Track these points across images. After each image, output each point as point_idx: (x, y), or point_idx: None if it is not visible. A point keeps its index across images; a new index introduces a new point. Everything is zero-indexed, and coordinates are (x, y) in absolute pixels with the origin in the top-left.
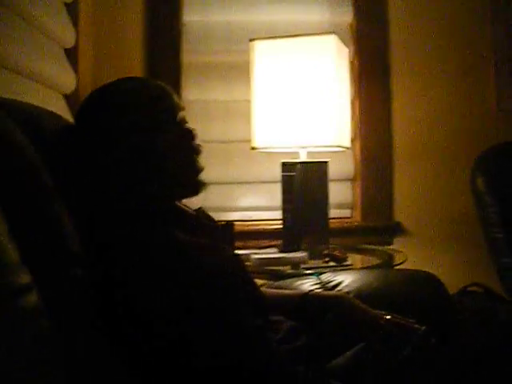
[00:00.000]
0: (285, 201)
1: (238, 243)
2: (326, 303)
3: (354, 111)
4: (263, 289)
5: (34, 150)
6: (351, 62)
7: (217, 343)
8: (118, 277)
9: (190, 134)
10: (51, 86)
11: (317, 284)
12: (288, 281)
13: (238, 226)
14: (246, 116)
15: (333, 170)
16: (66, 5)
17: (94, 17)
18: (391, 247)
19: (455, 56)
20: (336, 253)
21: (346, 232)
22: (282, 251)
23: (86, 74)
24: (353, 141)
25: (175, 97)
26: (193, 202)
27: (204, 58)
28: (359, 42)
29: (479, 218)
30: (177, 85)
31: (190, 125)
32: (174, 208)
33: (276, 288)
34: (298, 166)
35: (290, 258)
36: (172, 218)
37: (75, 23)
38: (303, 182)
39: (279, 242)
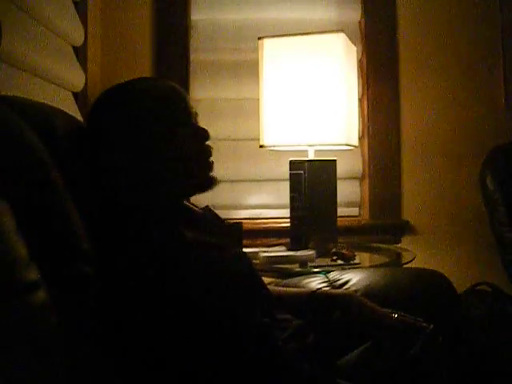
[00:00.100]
0: (293, 199)
1: (246, 241)
2: (334, 301)
3: (362, 109)
4: (271, 287)
5: (44, 148)
6: (359, 61)
7: (223, 341)
8: (125, 274)
9: (203, 135)
10: (60, 83)
11: (324, 282)
12: (296, 279)
13: (246, 224)
14: (254, 114)
15: (341, 169)
16: (75, 3)
17: (103, 15)
18: (399, 246)
19: (464, 54)
20: (344, 251)
21: (353, 230)
22: (289, 249)
23: (95, 72)
24: (361, 139)
25: (188, 98)
26: (201, 200)
27: (212, 56)
28: (367, 40)
29: (488, 217)
30: (185, 83)
31: (200, 124)
32: (181, 207)
33: (284, 286)
34: (306, 164)
35: (297, 256)
36: (180, 217)
37: (84, 21)
38: (311, 181)
39: (287, 240)
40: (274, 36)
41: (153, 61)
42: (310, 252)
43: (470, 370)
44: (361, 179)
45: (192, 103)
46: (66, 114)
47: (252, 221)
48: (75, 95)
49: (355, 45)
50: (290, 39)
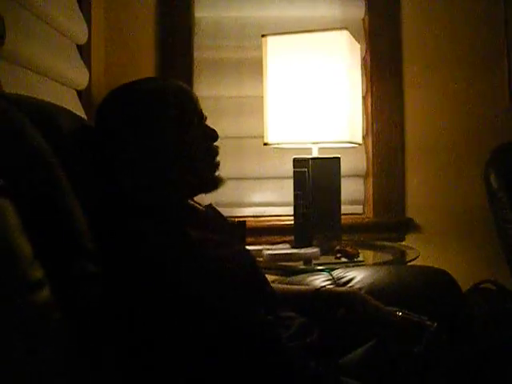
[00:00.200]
0: (297, 197)
1: (249, 239)
2: (338, 299)
3: (365, 107)
4: (275, 285)
5: (48, 146)
6: (363, 58)
7: (227, 338)
8: (130, 272)
9: (211, 135)
10: (64, 82)
11: (328, 280)
12: (300, 277)
13: (250, 222)
14: (258, 112)
15: (345, 166)
16: (79, 1)
17: (107, 13)
18: (403, 243)
19: (468, 52)
20: (348, 249)
21: (357, 228)
22: (293, 247)
23: (99, 70)
24: (365, 137)
25: (197, 98)
26: (205, 198)
27: (216, 53)
28: (371, 38)
29: (492, 215)
30: (189, 81)
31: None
32: (185, 205)
33: (288, 284)
34: (310, 161)
35: (301, 253)
36: (184, 216)
37: (88, 20)
38: (315, 178)
39: (291, 237)
40: (277, 34)
41: (156, 58)
42: (314, 250)
43: (474, 368)
44: (365, 177)
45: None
46: (69, 112)
47: (256, 218)
48: (79, 93)
49: (359, 42)
50: (294, 37)
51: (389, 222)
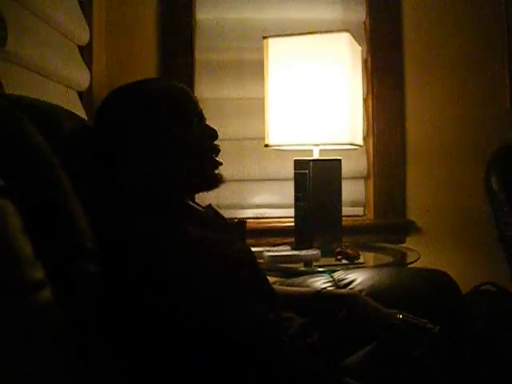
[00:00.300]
0: (297, 198)
1: (250, 240)
2: (339, 301)
3: (367, 109)
4: (275, 286)
5: (49, 147)
6: (364, 60)
7: (228, 336)
8: (132, 271)
9: (211, 134)
10: (65, 83)
11: (329, 282)
12: (300, 278)
13: (251, 224)
14: (259, 113)
15: (345, 168)
16: (80, 3)
17: (108, 14)
18: (404, 245)
19: (469, 54)
20: (348, 251)
21: (358, 230)
22: (294, 249)
23: (100, 71)
24: (366, 139)
25: (195, 98)
26: (206, 200)
27: (217, 55)
28: (372, 40)
29: (493, 217)
30: (190, 82)
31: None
32: (185, 204)
33: (288, 286)
34: (311, 163)
35: (302, 255)
36: (184, 214)
37: (89, 21)
38: (316, 180)
39: (292, 239)
40: (278, 36)
41: (157, 60)
42: (315, 251)
43: (474, 370)
44: (365, 179)
45: (199, 103)
46: (71, 113)
47: (256, 220)
48: (80, 94)
49: (360, 44)
50: (295, 39)
51: (389, 223)
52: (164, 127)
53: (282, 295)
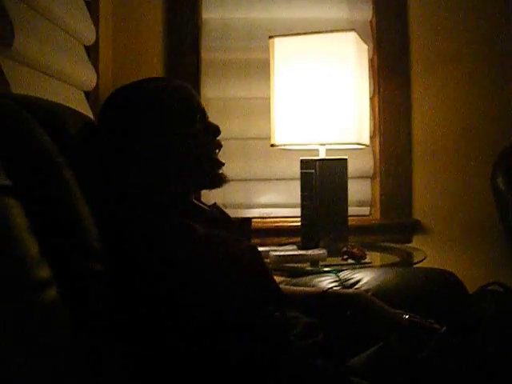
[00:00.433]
0: (304, 198)
1: (256, 240)
2: (345, 301)
3: (373, 108)
4: (282, 286)
5: (55, 147)
6: (371, 59)
7: (234, 333)
8: (139, 269)
9: (214, 130)
10: (72, 82)
11: (335, 282)
12: (306, 278)
13: (257, 223)
14: (265, 113)
15: (352, 168)
16: (87, 2)
17: (114, 14)
18: (410, 245)
19: (475, 53)
20: (355, 250)
21: (364, 230)
22: (300, 248)
23: (106, 71)
24: (372, 138)
25: (197, 96)
26: (211, 199)
27: (223, 55)
28: (379, 39)
29: (499, 217)
30: (196, 82)
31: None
32: (190, 202)
33: (294, 285)
34: (317, 163)
35: (308, 255)
36: (189, 212)
37: (96, 21)
38: (322, 180)
39: (298, 239)
40: (284, 35)
41: (164, 60)
42: (321, 251)
43: (481, 371)
44: (372, 178)
45: (202, 101)
46: (77, 112)
47: (263, 220)
48: (87, 94)
49: (366, 44)
50: (301, 38)
51: (396, 223)
52: (167, 126)
53: (288, 295)
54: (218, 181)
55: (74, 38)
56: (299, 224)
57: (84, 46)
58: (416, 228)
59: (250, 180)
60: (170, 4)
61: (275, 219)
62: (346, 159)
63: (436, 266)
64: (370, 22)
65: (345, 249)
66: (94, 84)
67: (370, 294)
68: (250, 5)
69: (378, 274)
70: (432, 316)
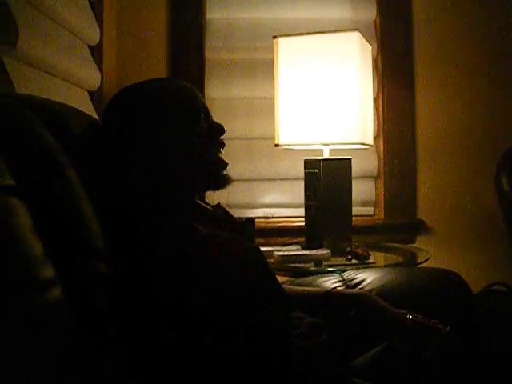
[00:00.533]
0: (307, 198)
1: (260, 240)
2: (349, 301)
3: (377, 108)
4: (285, 286)
5: (59, 147)
6: (375, 59)
7: (236, 334)
8: (142, 269)
9: (218, 130)
10: (76, 82)
11: (339, 282)
12: (310, 278)
13: (261, 223)
14: (269, 113)
15: (356, 168)
16: (91, 2)
17: (118, 14)
18: (414, 245)
19: (479, 53)
20: (359, 250)
21: (368, 230)
22: (304, 248)
23: (110, 70)
24: (376, 138)
25: (200, 96)
26: (216, 199)
27: (227, 55)
28: (383, 39)
29: (503, 217)
30: (200, 82)
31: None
32: (194, 203)
33: (298, 285)
34: (321, 163)
35: (312, 255)
36: (193, 213)
37: (100, 21)
38: (326, 180)
39: (302, 239)
40: (288, 35)
41: (168, 60)
42: (325, 251)
43: (485, 371)
44: (376, 178)
45: (206, 101)
46: (81, 112)
47: (266, 220)
48: (91, 94)
49: (370, 44)
50: (305, 38)
51: (400, 223)
52: (170, 126)
53: (292, 295)
54: (222, 182)
55: (78, 38)
56: (303, 224)
57: (88, 45)
58: (420, 228)
59: (254, 180)
60: (174, 4)
61: (279, 219)
62: (350, 159)
63: (440, 266)
64: (374, 21)
65: (348, 249)
66: (98, 84)
67: (373, 294)
68: (253, 5)
69: (381, 274)
70: (436, 316)
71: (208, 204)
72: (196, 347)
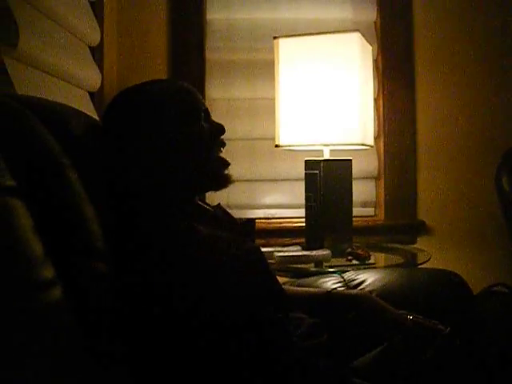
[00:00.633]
0: (308, 199)
1: (260, 240)
2: (349, 302)
3: (377, 109)
4: (286, 286)
5: (60, 147)
6: (375, 60)
7: (236, 335)
8: (143, 269)
9: (218, 129)
10: (76, 83)
11: (340, 282)
12: (311, 279)
13: (261, 224)
14: (269, 114)
15: (356, 168)
16: (91, 3)
17: (119, 15)
18: (415, 246)
19: (481, 54)
20: (359, 251)
21: (369, 230)
22: (305, 249)
23: (111, 71)
24: (376, 139)
25: (199, 96)
26: (216, 200)
27: (228, 55)
28: (383, 40)
29: (504, 217)
30: (201, 83)
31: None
32: (194, 203)
33: (298, 286)
34: (322, 163)
35: (313, 256)
36: (194, 214)
37: (100, 21)
38: (327, 180)
39: (302, 239)
40: (289, 36)
41: (168, 60)
42: (325, 252)
43: (485, 372)
44: (376, 179)
45: (206, 102)
46: (82, 113)
47: (267, 220)
48: (91, 95)
49: (371, 44)
50: (306, 39)
51: (400, 224)
52: (171, 126)
53: (292, 295)
54: (224, 181)
55: (78, 39)
56: (303, 225)
57: (89, 46)
58: (420, 229)
59: (255, 181)
60: (174, 5)
61: (279, 220)
62: (351, 160)
63: (440, 267)
64: (375, 22)
65: (349, 249)
66: (98, 85)
67: (374, 294)
68: (254, 5)
69: (382, 275)
70: (436, 317)
71: (208, 205)
72: (197, 347)
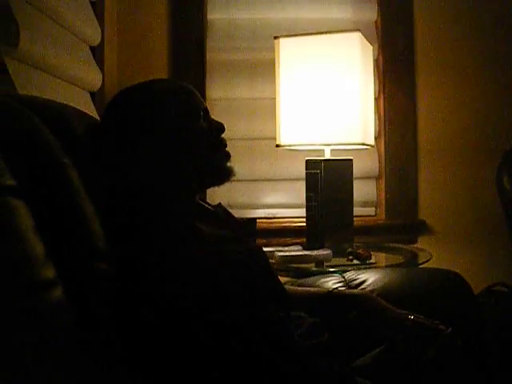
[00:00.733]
0: (309, 198)
1: (261, 240)
2: (350, 302)
3: (378, 109)
4: (287, 286)
5: (61, 147)
6: (376, 60)
7: (237, 334)
8: (144, 268)
9: (218, 127)
10: (77, 83)
11: (340, 282)
12: (312, 278)
13: (262, 224)
14: (270, 113)
15: (357, 168)
16: (92, 3)
17: (120, 15)
18: (415, 246)
19: (482, 53)
20: (360, 251)
21: (370, 230)
22: (305, 249)
23: (112, 71)
24: (377, 138)
25: (199, 95)
26: (217, 199)
27: (228, 55)
28: (384, 40)
29: (505, 217)
30: (201, 83)
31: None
32: (195, 202)
33: (299, 286)
34: (323, 163)
35: (313, 255)
36: (195, 213)
37: (101, 21)
38: (327, 180)
39: (303, 239)
40: (290, 35)
41: (169, 60)
42: (326, 252)
43: (486, 371)
44: (377, 179)
45: (207, 102)
46: (82, 113)
47: (268, 220)
48: (92, 95)
49: (371, 44)
50: (306, 38)
51: (401, 224)
52: (170, 126)
53: (293, 295)
54: (226, 174)
55: (79, 39)
56: (304, 224)
57: (89, 46)
58: (421, 228)
59: (256, 180)
60: (175, 4)
61: (280, 220)
62: (352, 160)
63: (441, 267)
64: (375, 22)
65: (350, 249)
66: (99, 84)
67: (375, 294)
68: (255, 5)
69: (383, 275)
70: (437, 317)
71: (209, 204)
72: (198, 346)
